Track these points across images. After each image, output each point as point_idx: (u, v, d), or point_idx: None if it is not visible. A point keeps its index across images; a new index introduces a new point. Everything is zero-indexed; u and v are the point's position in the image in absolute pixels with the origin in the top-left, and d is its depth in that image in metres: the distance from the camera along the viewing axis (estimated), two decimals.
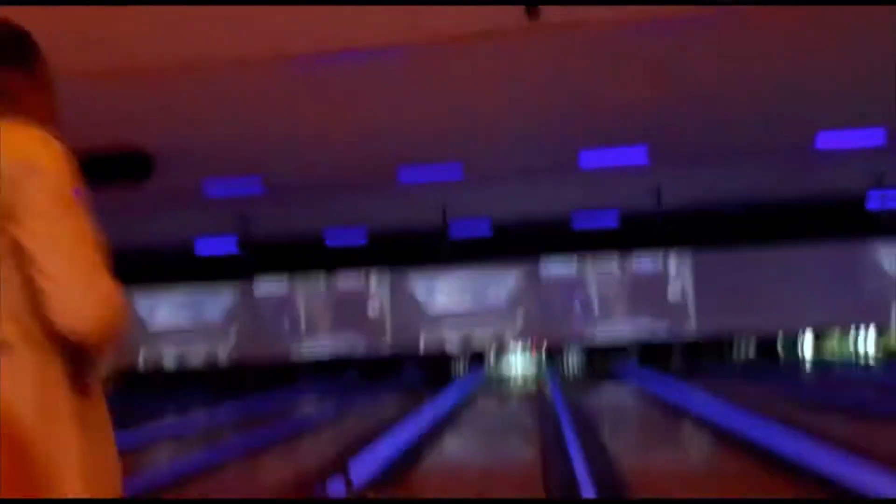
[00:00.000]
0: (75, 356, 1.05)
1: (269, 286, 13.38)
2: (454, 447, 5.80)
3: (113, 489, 1.09)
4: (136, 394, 11.13)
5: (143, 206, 10.90)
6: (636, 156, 9.28)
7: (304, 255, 12.87)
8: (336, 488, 3.82)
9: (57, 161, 1.05)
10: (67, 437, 1.01)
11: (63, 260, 1.01)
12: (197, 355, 13.13)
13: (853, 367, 10.72)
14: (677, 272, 12.89)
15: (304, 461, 5.62)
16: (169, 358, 12.95)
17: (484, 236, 12.17)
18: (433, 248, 12.33)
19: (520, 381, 11.59)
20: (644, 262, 13.01)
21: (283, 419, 7.91)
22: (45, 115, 1.13)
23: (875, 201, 11.17)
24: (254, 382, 12.67)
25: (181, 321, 13.29)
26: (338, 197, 11.10)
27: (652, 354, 12.76)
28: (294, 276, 13.28)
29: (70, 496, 1.01)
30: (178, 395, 11.87)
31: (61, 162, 1.06)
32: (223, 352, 13.18)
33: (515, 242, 12.57)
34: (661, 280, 12.92)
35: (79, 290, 1.01)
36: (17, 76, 1.12)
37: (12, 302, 1.01)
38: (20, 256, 1.01)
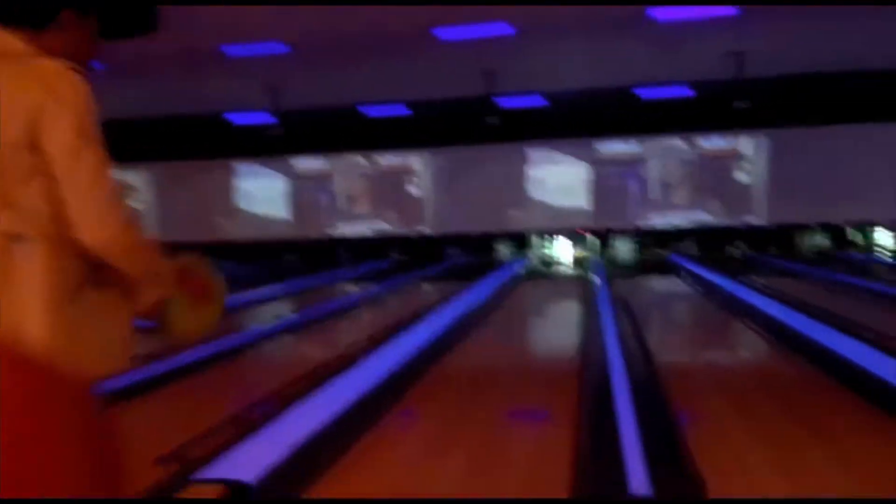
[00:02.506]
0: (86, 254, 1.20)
1: (306, 163, 13.32)
2: (491, 335, 5.75)
3: (106, 363, 1.27)
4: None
5: (170, 75, 10.71)
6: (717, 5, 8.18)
7: (341, 129, 12.62)
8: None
9: (79, 94, 1.18)
10: (40, 315, 1.17)
11: (86, 187, 1.17)
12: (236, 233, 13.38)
13: None
14: (752, 153, 12.17)
15: (343, 341, 5.71)
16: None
17: (536, 107, 11.53)
18: (479, 121, 11.86)
19: (566, 268, 11.44)
20: (714, 142, 12.30)
21: (324, 299, 8.02)
22: (71, 50, 1.24)
23: None
24: (294, 261, 12.93)
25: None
26: (372, 63, 10.64)
27: (713, 243, 12.36)
28: (331, 152, 13.13)
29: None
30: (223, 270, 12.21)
31: (83, 95, 1.18)
32: (266, 230, 13.38)
33: (571, 117, 11.98)
34: (730, 162, 12.24)
35: (98, 213, 1.18)
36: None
37: (36, 212, 1.18)
38: (47, 178, 1.16)
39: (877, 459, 2.60)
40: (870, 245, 12.07)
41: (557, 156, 12.72)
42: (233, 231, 13.43)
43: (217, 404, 3.51)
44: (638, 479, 2.34)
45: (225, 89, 11.64)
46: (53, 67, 1.17)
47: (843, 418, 3.10)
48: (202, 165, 13.15)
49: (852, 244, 12.11)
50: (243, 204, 13.57)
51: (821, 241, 12.17)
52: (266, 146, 12.75)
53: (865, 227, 12.13)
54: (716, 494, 2.27)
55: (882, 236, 12.12)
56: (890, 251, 11.74)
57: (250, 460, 2.51)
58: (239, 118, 12.55)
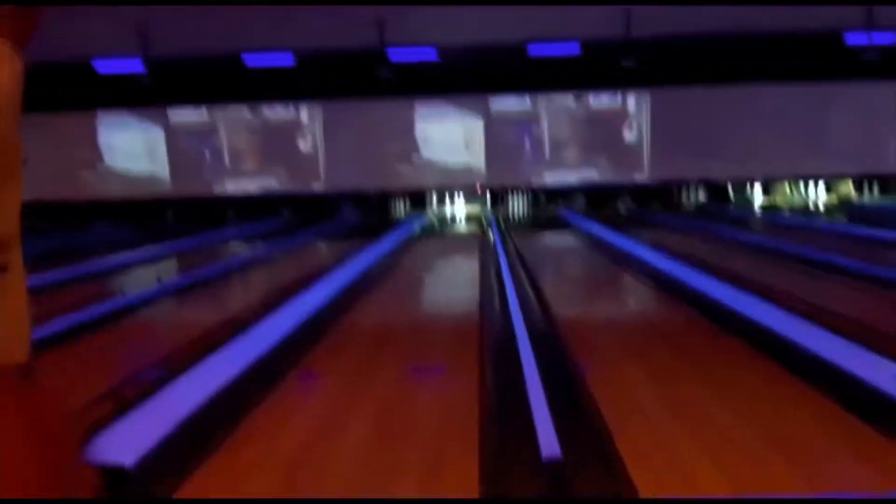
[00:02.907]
0: None
1: (185, 114, 12.52)
2: (389, 293, 5.68)
3: None
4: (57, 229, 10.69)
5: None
6: None
7: (222, 80, 11.96)
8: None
9: None
10: None
11: None
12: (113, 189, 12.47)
13: (804, 216, 10.98)
14: (636, 111, 12.60)
15: (232, 305, 5.47)
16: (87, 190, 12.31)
17: (428, 61, 11.32)
18: (371, 75, 11.55)
19: (462, 225, 11.51)
20: (601, 100, 12.63)
21: (210, 260, 7.64)
22: None
23: (857, 38, 10.80)
24: (177, 220, 12.25)
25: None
26: (256, 12, 10.09)
27: (601, 200, 12.80)
28: (213, 104, 12.42)
29: None
30: (94, 231, 11.44)
31: None
32: (141, 187, 12.54)
33: (463, 73, 11.91)
34: (617, 120, 12.64)
35: None
36: None
37: None
38: None
39: (750, 390, 2.82)
40: (746, 201, 12.92)
41: (451, 111, 12.66)
42: (102, 189, 12.50)
43: (90, 378, 3.22)
44: (545, 429, 2.36)
45: (92, 34, 10.69)
46: None
47: (722, 357, 3.30)
48: (66, 117, 12.09)
49: (729, 199, 12.92)
50: (115, 160, 12.65)
51: (699, 196, 12.90)
52: (137, 96, 11.85)
53: (743, 185, 12.95)
54: (618, 437, 2.32)
55: (756, 192, 13.00)
56: (762, 206, 12.61)
57: (130, 439, 2.31)
58: (105, 66, 11.59)
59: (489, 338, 3.83)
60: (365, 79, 11.68)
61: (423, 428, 2.55)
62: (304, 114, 12.65)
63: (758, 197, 13.03)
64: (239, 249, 9.15)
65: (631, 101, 12.56)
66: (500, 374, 3.12)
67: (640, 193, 12.81)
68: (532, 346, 3.45)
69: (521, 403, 2.64)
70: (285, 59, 11.49)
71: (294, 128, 12.66)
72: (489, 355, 3.47)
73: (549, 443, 2.25)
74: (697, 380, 2.99)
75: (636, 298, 5.56)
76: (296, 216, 12.30)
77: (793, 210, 11.80)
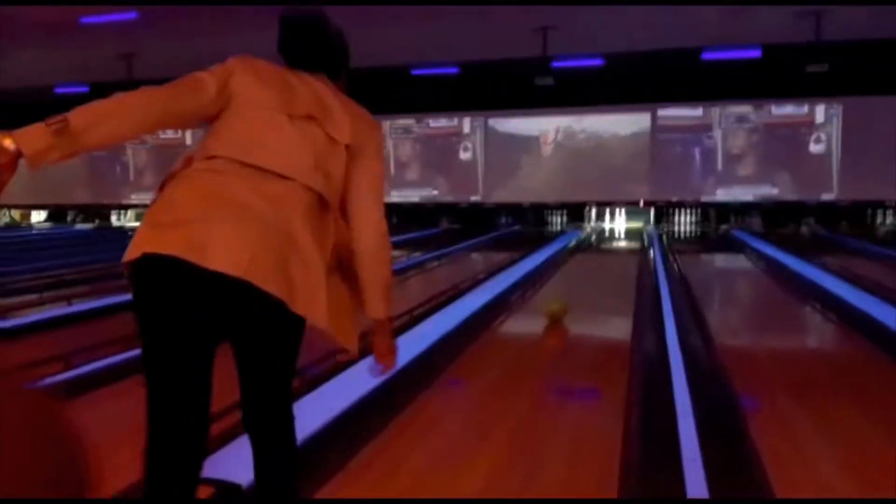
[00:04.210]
0: None
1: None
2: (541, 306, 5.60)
3: None
4: None
5: None
6: None
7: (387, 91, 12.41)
8: None
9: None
10: None
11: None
12: None
13: None
14: (824, 122, 11.54)
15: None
16: None
17: (594, 67, 10.97)
18: (531, 83, 11.50)
19: (622, 240, 11.12)
20: (785, 109, 11.70)
21: None
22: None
23: None
24: None
25: None
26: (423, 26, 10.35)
27: (780, 218, 11.84)
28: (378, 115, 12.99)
29: None
30: None
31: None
32: None
33: (629, 80, 11.53)
34: (802, 132, 11.64)
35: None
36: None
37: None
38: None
39: None
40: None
41: (616, 121, 12.32)
42: None
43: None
44: (694, 477, 2.17)
45: (82, 59, 11.49)
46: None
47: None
48: None
49: None
50: None
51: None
52: None
53: None
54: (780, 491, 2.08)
55: None
56: None
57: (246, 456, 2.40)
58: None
59: (640, 367, 3.62)
60: (524, 88, 11.65)
61: (557, 455, 2.44)
62: (465, 123, 12.89)
63: None
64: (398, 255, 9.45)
65: (819, 110, 11.53)
66: (649, 411, 2.92)
67: (827, 213, 11.71)
68: (688, 379, 3.22)
69: (669, 449, 2.45)
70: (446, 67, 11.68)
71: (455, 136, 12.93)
72: (639, 386, 3.27)
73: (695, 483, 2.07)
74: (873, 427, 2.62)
75: (810, 328, 5.04)
76: (456, 224, 12.51)
77: None
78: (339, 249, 1.58)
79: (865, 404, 2.98)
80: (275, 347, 1.51)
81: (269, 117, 1.52)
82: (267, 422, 1.54)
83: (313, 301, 1.45)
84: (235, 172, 1.46)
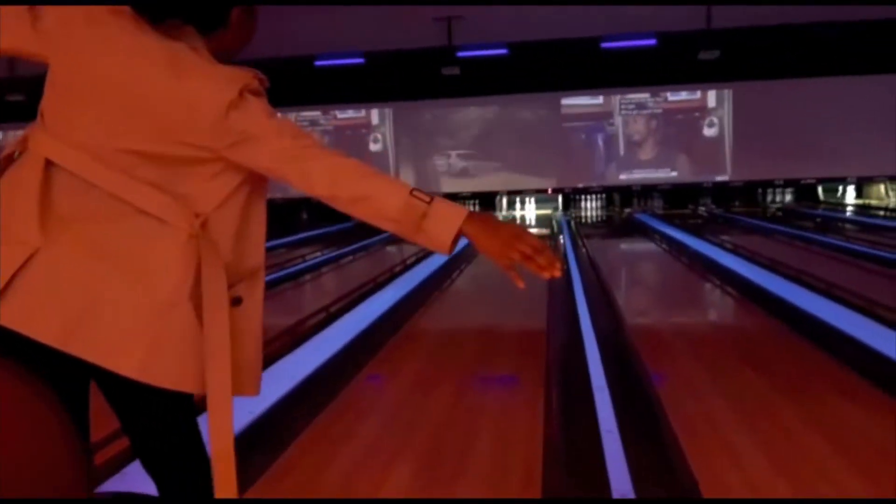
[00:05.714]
0: None
1: None
2: (456, 299, 5.70)
3: None
4: None
5: None
6: None
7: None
8: None
9: None
10: None
11: None
12: None
13: None
14: (717, 107, 12.22)
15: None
16: None
17: (497, 56, 11.06)
18: (437, 72, 11.57)
19: (533, 227, 11.41)
20: (680, 95, 12.30)
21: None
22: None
23: None
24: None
25: None
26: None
27: (680, 200, 12.46)
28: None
29: None
30: None
31: None
32: None
33: (534, 68, 11.81)
34: (696, 117, 12.28)
35: None
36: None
37: None
38: None
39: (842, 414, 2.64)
40: (837, 202, 12.32)
41: (520, 110, 12.59)
42: None
43: None
44: (613, 447, 2.31)
45: None
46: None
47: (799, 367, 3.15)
48: None
49: (818, 201, 12.35)
50: None
51: (785, 197, 12.38)
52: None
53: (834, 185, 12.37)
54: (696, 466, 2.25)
55: (849, 193, 12.38)
56: (854, 208, 12.00)
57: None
58: None
59: (557, 349, 3.77)
60: (429, 78, 11.71)
61: (484, 440, 2.53)
62: (374, 114, 12.85)
63: (850, 198, 12.43)
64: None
65: (711, 95, 12.19)
66: (567, 390, 3.07)
67: (722, 194, 12.41)
68: (602, 358, 3.39)
69: (588, 423, 2.60)
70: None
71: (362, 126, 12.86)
72: (555, 366, 3.42)
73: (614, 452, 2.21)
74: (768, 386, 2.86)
75: (712, 304, 5.38)
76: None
77: (890, 212, 11.18)
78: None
79: (765, 370, 3.24)
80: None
81: None
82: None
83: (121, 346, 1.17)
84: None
